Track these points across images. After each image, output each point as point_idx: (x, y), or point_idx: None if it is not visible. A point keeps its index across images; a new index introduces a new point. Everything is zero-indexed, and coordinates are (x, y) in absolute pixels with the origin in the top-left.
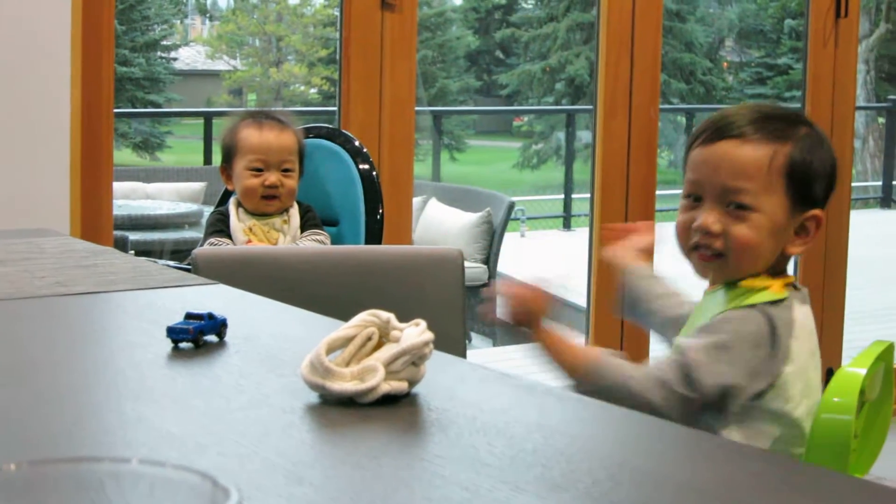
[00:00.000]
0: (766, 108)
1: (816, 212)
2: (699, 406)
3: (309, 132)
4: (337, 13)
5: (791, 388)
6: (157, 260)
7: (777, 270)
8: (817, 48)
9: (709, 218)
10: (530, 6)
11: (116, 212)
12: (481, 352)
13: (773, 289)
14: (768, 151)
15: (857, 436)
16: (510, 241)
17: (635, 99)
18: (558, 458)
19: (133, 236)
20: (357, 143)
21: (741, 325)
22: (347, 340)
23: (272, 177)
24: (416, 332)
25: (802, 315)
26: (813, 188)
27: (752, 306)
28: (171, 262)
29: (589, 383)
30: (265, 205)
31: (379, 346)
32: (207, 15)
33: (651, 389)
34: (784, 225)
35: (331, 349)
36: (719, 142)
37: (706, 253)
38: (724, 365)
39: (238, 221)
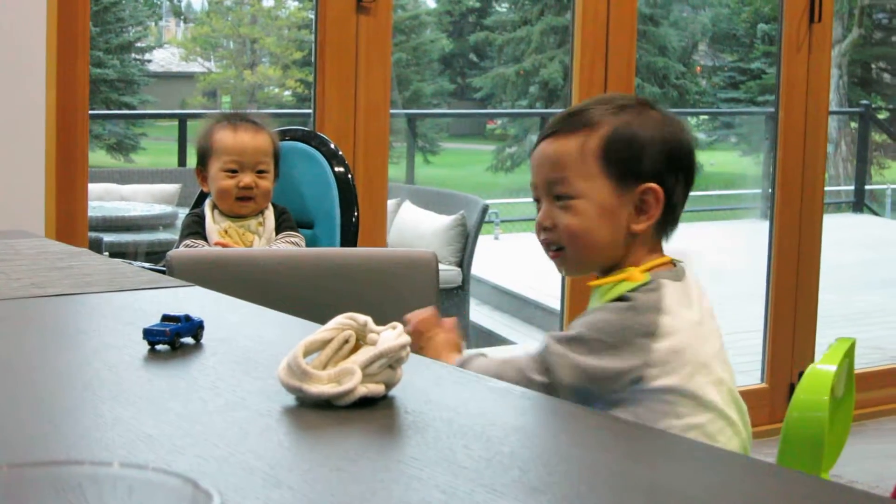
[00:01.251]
0: (591, 100)
1: (649, 185)
2: (556, 393)
3: (284, 135)
4: (312, 15)
5: (673, 362)
6: (132, 262)
7: (637, 254)
8: (791, 53)
9: (541, 215)
10: (504, 10)
11: (91, 213)
12: None
13: (632, 277)
14: (578, 139)
15: None
16: (484, 243)
17: None
18: (535, 461)
19: (108, 238)
20: (332, 146)
21: (597, 316)
22: (325, 343)
23: (247, 178)
24: (393, 336)
25: (675, 290)
26: (638, 163)
27: (614, 300)
28: (146, 264)
29: None
30: (240, 206)
31: (356, 348)
32: (182, 17)
33: (507, 373)
34: (615, 205)
35: (308, 352)
36: (540, 144)
37: (550, 250)
38: (580, 355)
39: (213, 223)
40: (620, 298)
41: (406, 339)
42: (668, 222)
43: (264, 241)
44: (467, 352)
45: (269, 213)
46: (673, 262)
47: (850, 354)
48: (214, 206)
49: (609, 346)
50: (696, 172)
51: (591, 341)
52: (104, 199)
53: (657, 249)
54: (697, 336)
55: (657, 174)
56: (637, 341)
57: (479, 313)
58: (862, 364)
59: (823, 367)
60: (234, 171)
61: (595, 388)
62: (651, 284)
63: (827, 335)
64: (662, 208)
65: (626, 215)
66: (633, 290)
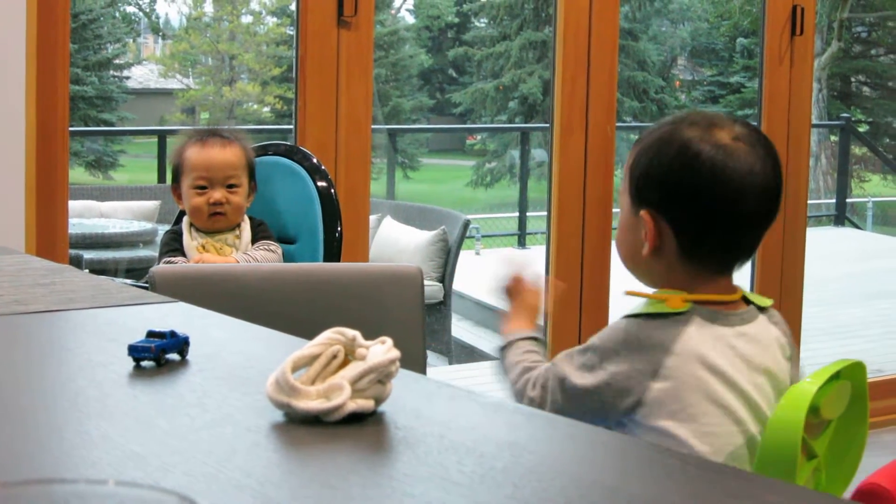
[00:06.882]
0: (682, 112)
1: (643, 211)
2: (548, 409)
3: (266, 149)
4: (290, 31)
5: (665, 405)
6: (113, 278)
7: (681, 279)
8: (773, 65)
9: None
10: (483, 25)
11: (70, 230)
12: (438, 370)
13: (670, 302)
14: (633, 151)
15: (815, 455)
16: (465, 258)
17: (592, 117)
18: (529, 476)
19: (87, 255)
20: (315, 161)
21: (606, 334)
22: (313, 358)
23: (216, 194)
24: (382, 350)
25: (704, 333)
26: (646, 188)
27: (635, 316)
28: (128, 281)
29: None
30: (212, 222)
31: (345, 363)
32: (160, 34)
33: (517, 382)
34: (631, 223)
35: (296, 367)
36: None
37: None
38: (584, 371)
39: (191, 240)
40: (634, 315)
41: (395, 353)
42: (697, 255)
43: (241, 254)
44: (519, 335)
45: (246, 226)
46: (746, 302)
47: (854, 376)
48: (191, 223)
49: (610, 370)
50: (731, 206)
51: (596, 359)
52: (83, 217)
53: (719, 282)
54: (709, 384)
55: (660, 204)
56: (637, 375)
57: (461, 328)
58: None
59: (804, 386)
60: (203, 188)
61: (577, 403)
62: (681, 317)
63: (810, 349)
64: (672, 238)
65: (640, 237)
66: (656, 315)
